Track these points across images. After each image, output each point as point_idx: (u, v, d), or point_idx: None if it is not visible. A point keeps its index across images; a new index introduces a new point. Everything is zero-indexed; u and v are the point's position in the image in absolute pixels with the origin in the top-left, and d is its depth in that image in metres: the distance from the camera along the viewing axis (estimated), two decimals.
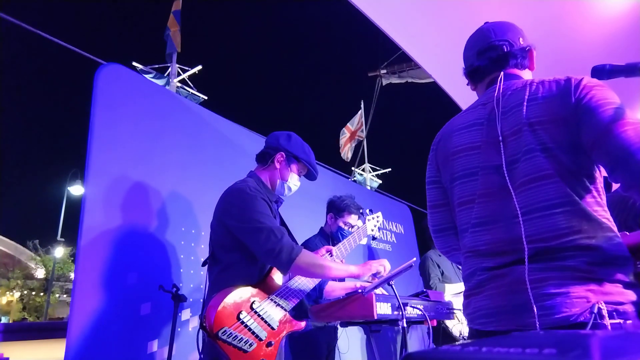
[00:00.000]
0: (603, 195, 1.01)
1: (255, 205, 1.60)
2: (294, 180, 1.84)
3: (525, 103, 1.05)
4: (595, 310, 0.88)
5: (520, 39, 1.20)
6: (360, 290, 1.72)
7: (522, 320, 0.96)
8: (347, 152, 13.76)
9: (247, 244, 1.57)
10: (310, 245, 2.52)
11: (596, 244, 0.94)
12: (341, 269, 1.72)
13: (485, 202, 1.08)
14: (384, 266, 1.85)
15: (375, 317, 1.70)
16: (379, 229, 2.36)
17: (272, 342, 1.54)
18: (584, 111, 0.98)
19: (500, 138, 1.07)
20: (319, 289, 2.11)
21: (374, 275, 1.86)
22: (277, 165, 1.81)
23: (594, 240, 0.94)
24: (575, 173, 0.99)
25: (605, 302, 0.89)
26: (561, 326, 0.91)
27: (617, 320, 0.88)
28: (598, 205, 0.98)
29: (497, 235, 1.04)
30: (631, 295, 0.92)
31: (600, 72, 0.98)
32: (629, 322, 0.89)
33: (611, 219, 0.99)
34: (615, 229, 0.98)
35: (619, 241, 0.96)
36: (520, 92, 1.09)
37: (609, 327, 0.87)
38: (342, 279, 2.39)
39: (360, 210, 2.61)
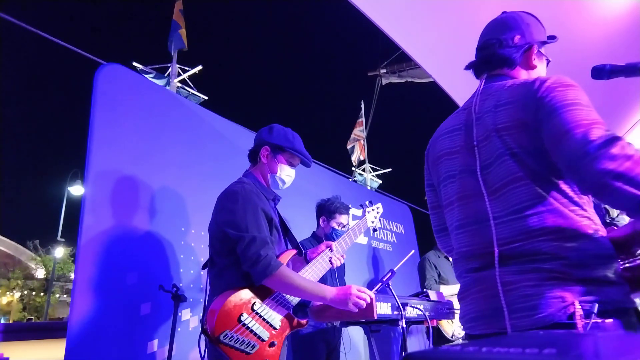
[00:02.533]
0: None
1: (246, 210, 1.58)
2: (285, 172, 1.81)
3: (493, 109, 1.07)
4: (571, 311, 0.86)
5: (517, 37, 1.16)
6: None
7: (499, 323, 0.96)
8: (358, 155, 13.69)
9: (234, 248, 1.57)
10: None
11: (572, 244, 0.91)
12: (315, 293, 1.60)
13: (463, 205, 1.11)
14: (364, 299, 1.60)
15: (375, 317, 1.70)
16: (380, 226, 2.34)
17: (275, 342, 1.53)
18: (543, 113, 0.97)
19: (475, 143, 1.09)
20: None
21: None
22: (264, 160, 1.79)
23: (570, 241, 0.92)
24: (544, 175, 0.97)
25: (582, 302, 0.87)
26: (536, 328, 0.91)
27: (595, 320, 0.85)
28: (575, 205, 0.96)
29: (473, 238, 1.07)
30: (611, 294, 0.89)
31: (600, 72, 0.97)
32: (608, 321, 0.86)
33: (593, 217, 0.97)
34: (597, 226, 0.95)
35: (600, 238, 0.93)
36: (494, 96, 1.10)
37: (585, 328, 0.85)
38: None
39: (361, 207, 2.63)
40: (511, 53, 1.16)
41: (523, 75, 1.20)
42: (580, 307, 0.86)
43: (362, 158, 13.68)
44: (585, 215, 0.96)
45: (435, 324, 2.92)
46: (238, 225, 1.56)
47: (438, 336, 2.93)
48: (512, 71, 1.18)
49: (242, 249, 1.52)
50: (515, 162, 1.00)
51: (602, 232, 0.96)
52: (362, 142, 13.60)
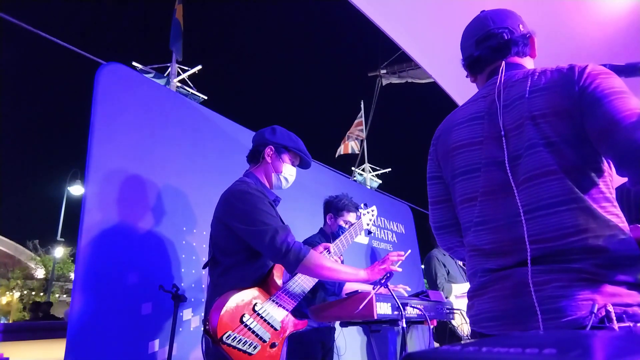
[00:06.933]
0: (612, 189, 0.96)
1: (258, 206, 1.59)
2: (288, 171, 1.84)
3: (527, 95, 1.01)
4: (603, 313, 0.83)
5: (520, 26, 1.17)
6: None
7: (527, 324, 0.92)
8: (353, 147, 13.75)
9: (253, 245, 1.57)
10: (310, 243, 2.52)
11: (603, 244, 0.88)
12: (350, 272, 1.70)
13: (488, 200, 1.04)
14: (391, 261, 1.80)
15: (375, 317, 1.70)
16: (376, 225, 2.38)
17: (276, 343, 1.54)
18: (588, 102, 0.93)
19: (503, 132, 1.03)
20: (338, 283, 2.14)
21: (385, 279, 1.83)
22: (269, 160, 1.81)
23: (600, 240, 0.88)
24: (580, 168, 0.94)
25: (613, 304, 0.84)
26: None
27: (627, 324, 0.83)
28: (606, 201, 0.93)
29: (499, 235, 1.01)
30: None
31: None
32: (639, 324, 0.84)
33: (621, 214, 0.93)
34: (624, 225, 0.92)
35: (629, 239, 0.90)
36: (522, 84, 1.04)
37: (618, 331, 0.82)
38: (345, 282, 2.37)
39: (358, 208, 2.64)
40: (522, 40, 1.15)
41: (530, 64, 1.18)
42: (612, 309, 0.83)
43: (342, 152, 13.78)
44: (614, 213, 0.93)
45: (435, 324, 2.92)
46: (255, 221, 1.56)
47: (451, 336, 2.90)
48: (523, 59, 1.16)
49: (267, 243, 1.52)
50: (549, 152, 0.95)
51: (627, 229, 0.92)
52: (346, 138, 13.73)
